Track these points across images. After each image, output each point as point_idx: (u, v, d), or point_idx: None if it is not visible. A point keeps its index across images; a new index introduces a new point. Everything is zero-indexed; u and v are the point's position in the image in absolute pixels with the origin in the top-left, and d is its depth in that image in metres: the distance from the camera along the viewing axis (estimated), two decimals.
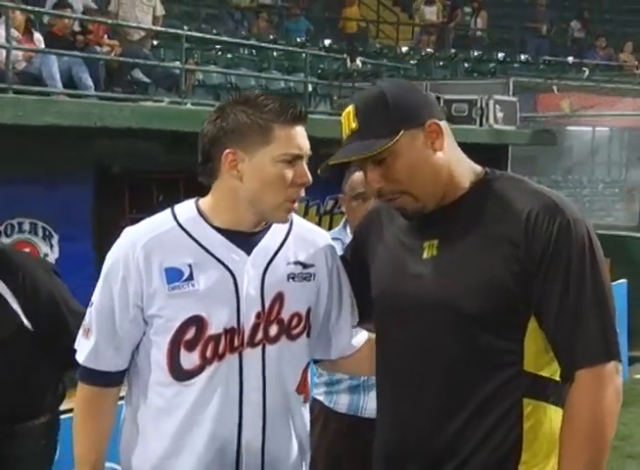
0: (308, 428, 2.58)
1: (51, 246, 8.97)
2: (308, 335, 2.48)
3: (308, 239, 2.53)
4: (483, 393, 2.21)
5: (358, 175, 3.45)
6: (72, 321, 2.93)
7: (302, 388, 2.51)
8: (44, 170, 8.27)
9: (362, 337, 2.65)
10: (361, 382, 3.54)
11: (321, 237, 2.58)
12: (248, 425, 2.37)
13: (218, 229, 2.39)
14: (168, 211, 2.45)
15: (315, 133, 8.08)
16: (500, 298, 2.18)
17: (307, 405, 2.57)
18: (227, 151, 2.33)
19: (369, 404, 3.50)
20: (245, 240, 2.40)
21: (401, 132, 2.22)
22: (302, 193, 2.37)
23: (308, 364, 2.55)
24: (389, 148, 2.22)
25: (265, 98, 2.35)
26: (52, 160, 8.18)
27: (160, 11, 12.77)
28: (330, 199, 11.61)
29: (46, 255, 8.94)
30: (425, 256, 2.30)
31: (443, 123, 2.30)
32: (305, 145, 2.36)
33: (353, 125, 2.26)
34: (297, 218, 2.55)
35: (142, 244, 2.35)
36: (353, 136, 2.26)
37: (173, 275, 2.34)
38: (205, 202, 2.45)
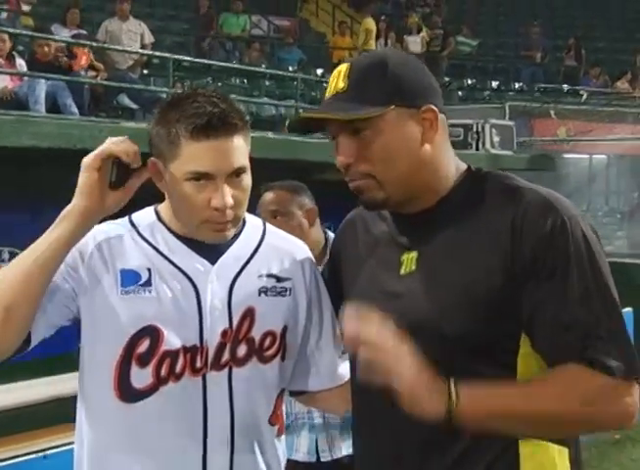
0: (283, 465, 2.27)
1: None
2: (283, 358, 2.19)
3: (283, 249, 2.25)
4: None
5: (268, 194, 3.44)
6: None
7: (275, 418, 2.21)
8: (25, 196, 7.98)
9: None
10: (290, 422, 3.33)
11: (298, 248, 2.29)
12: (213, 461, 2.08)
13: (179, 236, 2.13)
14: (126, 218, 2.19)
15: (307, 157, 7.78)
16: (486, 317, 1.88)
17: (281, 439, 2.27)
18: (151, 159, 2.07)
19: (301, 447, 3.38)
20: (209, 248, 2.12)
21: (392, 107, 1.94)
22: (229, 216, 2.04)
23: (282, 392, 2.25)
24: (373, 120, 1.93)
25: (192, 101, 2.01)
26: (33, 185, 7.90)
27: (149, 38, 12.69)
28: (323, 226, 11.34)
29: None
30: (402, 271, 2.01)
31: (442, 116, 2.01)
32: (219, 163, 2.00)
33: (341, 85, 1.97)
34: (270, 227, 2.28)
35: (99, 241, 2.10)
36: (337, 96, 1.98)
37: (129, 278, 2.08)
38: (163, 207, 2.18)
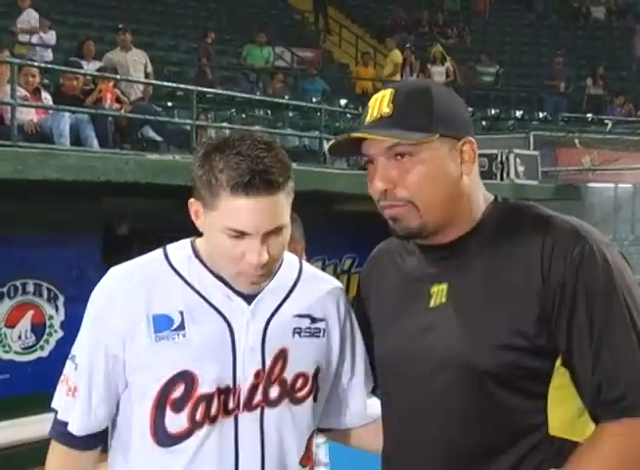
0: None
1: (56, 308, 8.71)
2: (315, 399, 2.14)
3: (319, 289, 2.19)
4: (504, 463, 1.89)
5: None
6: None
7: (307, 459, 2.16)
8: (48, 229, 8.01)
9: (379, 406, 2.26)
10: None
11: (333, 287, 2.23)
12: None
13: (215, 274, 2.07)
14: (160, 250, 2.13)
15: (331, 188, 7.77)
16: (519, 349, 1.86)
17: None
18: (191, 200, 2.03)
19: None
20: None
21: (437, 135, 1.92)
22: (263, 270, 1.99)
23: (314, 433, 2.19)
24: (418, 146, 1.92)
25: (236, 152, 1.94)
26: (56, 217, 7.93)
27: (149, 68, 12.94)
28: (347, 258, 11.33)
29: (51, 317, 8.66)
30: (432, 304, 1.99)
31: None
32: (256, 222, 1.95)
33: (386, 110, 1.95)
34: (306, 265, 2.23)
35: (129, 287, 2.04)
36: (381, 120, 1.95)
37: (162, 323, 2.02)
38: (201, 241, 2.11)
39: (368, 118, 1.98)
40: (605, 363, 1.82)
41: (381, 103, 1.96)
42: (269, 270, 2.02)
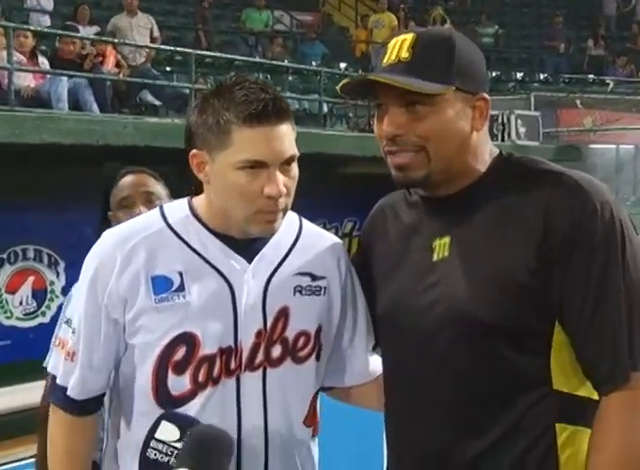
0: (317, 467, 2.21)
1: (57, 273, 8.71)
2: (318, 358, 2.12)
3: (319, 246, 2.17)
4: (507, 418, 1.90)
5: (125, 179, 2.91)
6: None
7: (311, 419, 2.14)
8: (48, 194, 7.97)
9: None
10: None
11: (334, 244, 2.21)
12: (247, 462, 2.02)
13: (214, 232, 2.04)
14: (157, 210, 2.11)
15: (332, 151, 7.72)
16: (522, 302, 1.86)
17: (316, 440, 2.21)
18: (192, 151, 2.00)
19: None
20: (245, 245, 2.04)
21: (453, 88, 1.91)
22: (281, 204, 1.98)
23: (318, 392, 2.18)
24: (434, 96, 1.90)
25: (240, 88, 1.95)
26: (56, 182, 7.88)
27: (156, 32, 12.82)
28: (348, 221, 11.32)
29: (52, 283, 8.66)
30: (435, 258, 1.98)
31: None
32: (273, 150, 1.95)
33: (405, 55, 1.93)
34: (306, 223, 2.20)
35: (127, 249, 2.01)
36: (399, 65, 1.93)
37: (161, 285, 2.00)
38: (199, 200, 2.09)
39: (385, 61, 1.96)
40: (591, 332, 1.84)
41: (401, 46, 1.94)
42: (286, 205, 2.01)
